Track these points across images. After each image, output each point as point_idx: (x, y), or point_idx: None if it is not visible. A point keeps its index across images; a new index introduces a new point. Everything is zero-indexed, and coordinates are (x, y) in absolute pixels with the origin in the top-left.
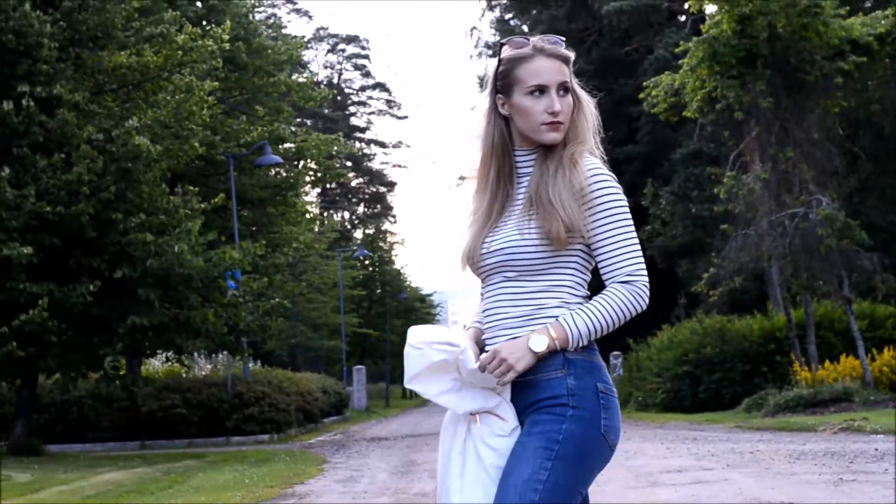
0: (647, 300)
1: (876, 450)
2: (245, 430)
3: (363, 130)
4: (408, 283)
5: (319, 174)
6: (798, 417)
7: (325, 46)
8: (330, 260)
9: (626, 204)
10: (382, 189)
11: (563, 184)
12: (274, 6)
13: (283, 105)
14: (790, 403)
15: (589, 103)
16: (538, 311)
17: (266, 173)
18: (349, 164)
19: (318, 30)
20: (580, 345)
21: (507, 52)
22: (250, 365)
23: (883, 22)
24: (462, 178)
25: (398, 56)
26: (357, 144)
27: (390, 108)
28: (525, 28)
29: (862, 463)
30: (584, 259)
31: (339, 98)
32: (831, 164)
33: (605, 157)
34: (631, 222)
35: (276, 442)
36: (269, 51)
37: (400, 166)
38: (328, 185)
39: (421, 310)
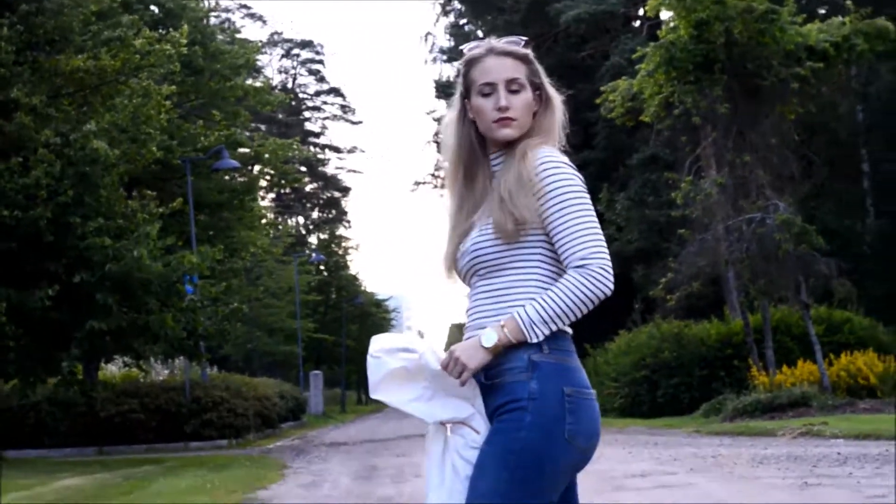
0: (607, 284)
1: (838, 454)
2: (203, 436)
3: (318, 135)
4: (363, 287)
5: (276, 179)
6: (757, 422)
7: (279, 51)
8: (285, 265)
9: (581, 189)
10: (337, 194)
11: (512, 176)
12: (228, 11)
13: (240, 109)
14: (748, 408)
15: (558, 101)
16: (508, 309)
17: (223, 178)
18: (304, 169)
19: (272, 34)
20: (538, 336)
21: (464, 55)
22: (207, 370)
23: (839, 29)
24: (417, 183)
25: (353, 61)
26: (312, 149)
27: (345, 113)
28: (479, 34)
29: (825, 467)
30: (549, 252)
31: (293, 103)
32: (787, 169)
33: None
34: (586, 207)
35: (235, 447)
36: (226, 55)
37: (354, 171)
38: (283, 191)
39: (377, 315)
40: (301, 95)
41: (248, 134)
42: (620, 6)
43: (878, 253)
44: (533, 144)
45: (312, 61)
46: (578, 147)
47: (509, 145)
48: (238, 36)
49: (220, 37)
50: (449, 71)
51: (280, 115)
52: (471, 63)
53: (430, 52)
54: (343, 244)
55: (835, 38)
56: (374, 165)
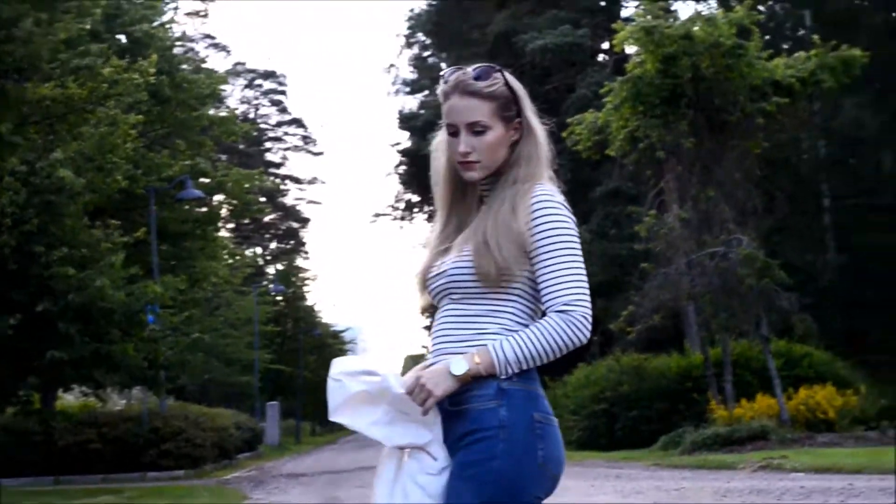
0: (585, 332)
1: (802, 487)
2: (161, 466)
3: (278, 166)
4: (320, 319)
5: (240, 209)
6: (716, 455)
7: (242, 81)
8: (244, 295)
9: (573, 233)
10: (296, 225)
11: (502, 227)
12: (193, 40)
13: (205, 139)
14: (707, 441)
15: (539, 129)
16: (478, 336)
17: (186, 207)
18: (263, 199)
19: (235, 64)
20: (508, 372)
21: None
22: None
23: (805, 64)
24: (377, 214)
25: (316, 92)
26: (273, 180)
27: (306, 143)
28: (443, 66)
29: (789, 500)
30: (530, 287)
31: (255, 133)
32: (750, 203)
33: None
34: (576, 252)
35: (192, 477)
36: (192, 85)
37: (314, 202)
38: (243, 221)
39: (334, 346)
40: (262, 126)
41: (211, 164)
42: (587, 39)
43: (838, 288)
44: (523, 191)
45: (275, 92)
46: None
47: (499, 169)
48: (203, 66)
49: (184, 67)
50: (412, 103)
51: (241, 146)
52: (441, 98)
53: (394, 83)
54: (301, 275)
55: (801, 74)
56: (334, 196)
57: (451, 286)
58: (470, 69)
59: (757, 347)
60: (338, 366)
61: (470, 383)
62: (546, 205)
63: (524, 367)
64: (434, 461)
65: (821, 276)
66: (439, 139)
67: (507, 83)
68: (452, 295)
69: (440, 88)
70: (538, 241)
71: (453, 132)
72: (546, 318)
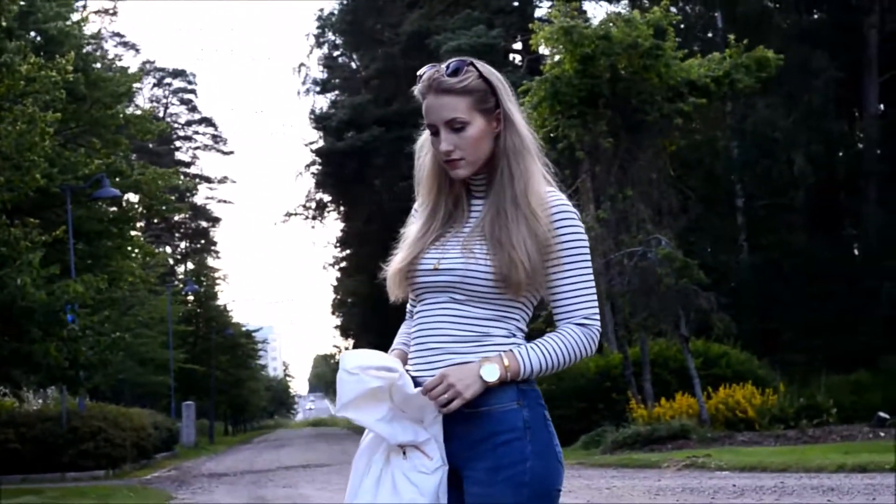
0: (596, 346)
1: (734, 485)
2: (80, 466)
3: (188, 165)
4: (232, 319)
5: (157, 208)
6: (638, 454)
7: (151, 80)
8: (158, 295)
9: (587, 243)
10: (206, 224)
11: (527, 232)
12: (102, 38)
13: (121, 138)
14: (628, 440)
15: (520, 120)
16: (485, 339)
17: (102, 206)
18: (173, 198)
19: (145, 63)
20: (529, 379)
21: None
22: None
23: (721, 64)
24: (288, 214)
25: (226, 91)
26: (186, 179)
27: (216, 143)
28: (353, 65)
29: (724, 498)
30: (534, 296)
31: (165, 132)
32: (666, 203)
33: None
34: (590, 263)
35: (112, 477)
36: (108, 83)
37: (225, 201)
38: (153, 220)
39: (247, 346)
40: (173, 125)
41: (127, 163)
42: (501, 39)
43: (752, 288)
44: (536, 195)
45: (184, 90)
46: None
47: (489, 162)
48: (117, 64)
49: (97, 65)
50: (322, 102)
51: (151, 145)
52: (419, 97)
53: (304, 83)
54: (212, 275)
55: (716, 74)
56: (246, 195)
57: (458, 285)
58: (443, 66)
59: (675, 347)
60: (354, 359)
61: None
62: (566, 215)
63: (542, 375)
64: (430, 460)
65: (735, 275)
66: (424, 138)
67: (481, 75)
68: (456, 295)
69: (416, 88)
70: (560, 251)
71: (434, 131)
72: (566, 328)
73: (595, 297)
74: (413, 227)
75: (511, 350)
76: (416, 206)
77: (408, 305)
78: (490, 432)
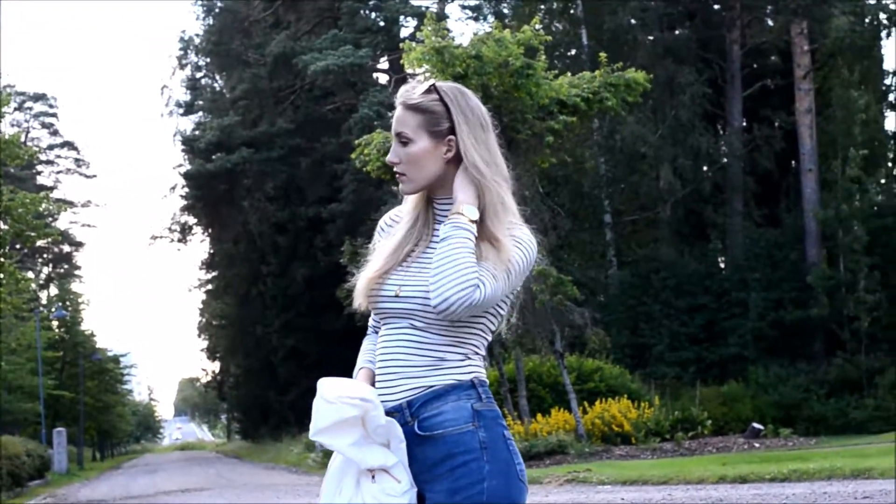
0: (473, 286)
1: (622, 499)
2: None
3: (51, 189)
4: (97, 344)
5: (27, 234)
6: None
7: (12, 104)
8: (25, 321)
9: (526, 266)
10: (69, 248)
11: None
12: None
13: None
14: None
15: (478, 157)
16: (440, 363)
17: None
18: (36, 222)
19: (4, 87)
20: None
21: None
22: None
23: (590, 83)
24: (154, 237)
25: (89, 114)
26: (53, 204)
27: (79, 166)
28: (216, 87)
29: None
30: (492, 320)
31: (33, 157)
32: (537, 220)
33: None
34: (518, 279)
35: None
36: None
37: (88, 225)
38: (17, 246)
39: (114, 371)
40: (34, 149)
41: None
42: (368, 59)
43: (621, 303)
44: (502, 248)
45: (46, 114)
46: (326, 200)
47: (451, 187)
48: None
49: None
50: (186, 124)
51: (12, 169)
52: None
53: (167, 105)
54: (77, 299)
55: (585, 93)
56: (110, 219)
57: (418, 313)
58: (417, 82)
59: (549, 362)
60: (333, 388)
61: (442, 407)
62: (521, 243)
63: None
64: (398, 483)
65: (604, 290)
66: None
67: (441, 99)
68: (415, 322)
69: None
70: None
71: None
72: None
73: (500, 289)
74: (387, 242)
75: (439, 368)
76: (381, 222)
77: (370, 320)
78: (446, 454)
